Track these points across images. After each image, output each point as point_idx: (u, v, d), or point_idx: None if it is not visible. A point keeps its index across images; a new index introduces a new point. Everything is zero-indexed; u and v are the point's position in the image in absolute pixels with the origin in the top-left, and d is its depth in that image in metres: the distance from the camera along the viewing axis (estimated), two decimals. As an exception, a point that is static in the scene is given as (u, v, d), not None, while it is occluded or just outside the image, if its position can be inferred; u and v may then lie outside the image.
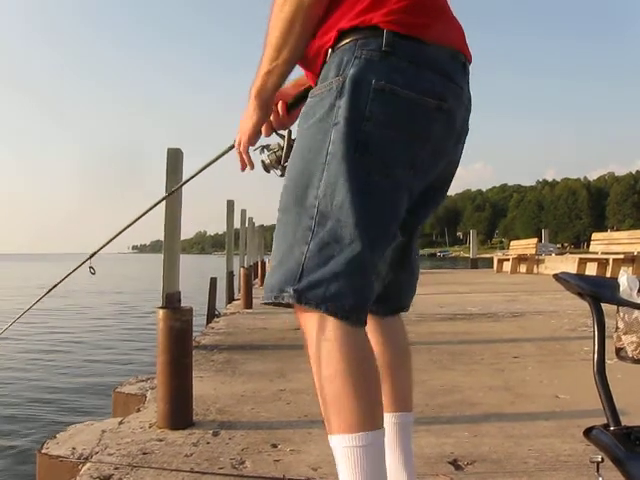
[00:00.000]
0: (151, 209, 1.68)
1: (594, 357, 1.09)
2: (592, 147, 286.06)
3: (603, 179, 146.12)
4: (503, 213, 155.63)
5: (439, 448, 1.93)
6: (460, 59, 1.22)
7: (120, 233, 1.75)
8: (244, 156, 1.32)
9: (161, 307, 2.25)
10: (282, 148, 1.34)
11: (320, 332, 1.07)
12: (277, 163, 1.36)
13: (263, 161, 1.39)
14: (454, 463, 1.79)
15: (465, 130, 1.29)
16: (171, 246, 2.33)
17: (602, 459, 1.09)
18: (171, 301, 2.28)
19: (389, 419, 1.28)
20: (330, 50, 1.16)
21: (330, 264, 1.07)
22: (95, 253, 1.76)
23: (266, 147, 1.40)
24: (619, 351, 1.13)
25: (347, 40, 1.13)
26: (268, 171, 1.39)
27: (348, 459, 1.05)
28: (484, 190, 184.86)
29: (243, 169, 1.35)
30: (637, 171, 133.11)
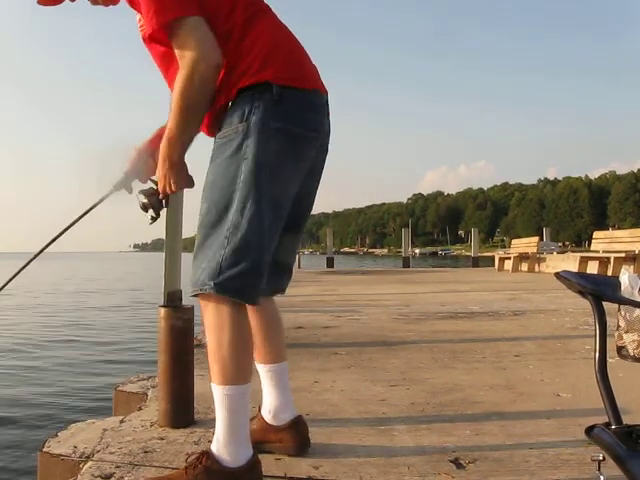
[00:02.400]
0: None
1: (595, 355, 1.09)
2: (594, 145, 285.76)
3: (605, 177, 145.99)
4: (504, 211, 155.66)
5: (440, 447, 1.93)
6: (324, 97, 1.66)
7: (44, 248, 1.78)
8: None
9: (162, 305, 2.24)
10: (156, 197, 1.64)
11: (218, 313, 1.51)
12: (158, 203, 1.65)
13: (143, 203, 1.66)
14: (456, 462, 1.79)
15: (325, 151, 1.71)
16: (172, 244, 2.32)
17: (604, 458, 1.09)
18: (172, 299, 2.27)
19: (274, 368, 1.81)
20: (230, 103, 1.55)
21: (241, 265, 1.47)
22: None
23: (143, 191, 1.68)
24: (620, 349, 1.14)
25: (245, 94, 1.52)
26: (146, 211, 1.67)
27: (222, 402, 1.54)
28: (485, 189, 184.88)
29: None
30: (639, 169, 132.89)
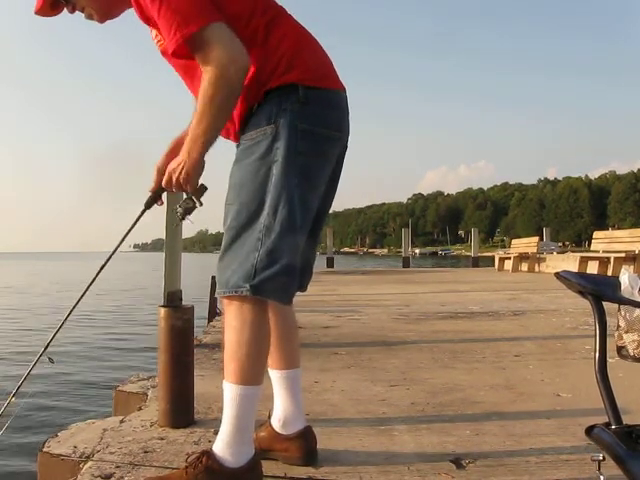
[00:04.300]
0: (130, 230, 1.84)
1: (595, 355, 1.09)
2: (594, 145, 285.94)
3: (604, 177, 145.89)
4: (504, 211, 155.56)
5: (441, 446, 1.93)
6: (344, 95, 1.67)
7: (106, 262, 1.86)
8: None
9: (162, 305, 2.24)
10: (191, 199, 1.62)
11: (240, 313, 1.53)
12: (190, 212, 1.65)
13: (177, 213, 1.67)
14: (456, 461, 1.79)
15: (346, 149, 1.72)
16: (172, 244, 2.32)
17: (603, 457, 1.09)
18: (172, 299, 2.27)
19: (287, 374, 1.80)
20: (257, 105, 1.55)
21: (276, 266, 1.49)
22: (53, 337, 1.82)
23: (180, 204, 1.67)
24: (620, 349, 1.14)
25: (272, 96, 1.53)
26: (183, 219, 1.67)
27: (235, 401, 1.54)
28: (485, 189, 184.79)
29: None
30: (639, 169, 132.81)
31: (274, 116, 1.52)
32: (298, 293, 1.80)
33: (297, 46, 1.57)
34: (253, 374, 1.55)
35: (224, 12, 1.51)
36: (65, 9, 1.68)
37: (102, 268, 1.84)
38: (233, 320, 1.54)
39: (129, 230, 1.84)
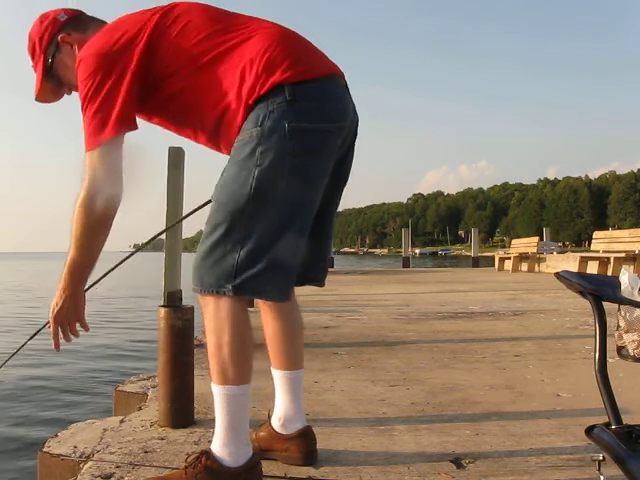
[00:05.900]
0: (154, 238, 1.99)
1: (595, 355, 1.09)
2: (594, 146, 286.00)
3: (605, 177, 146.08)
4: (504, 211, 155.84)
5: (441, 446, 1.93)
6: (340, 80, 1.61)
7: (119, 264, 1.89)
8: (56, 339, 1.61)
9: (162, 306, 2.24)
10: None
11: (217, 313, 1.50)
12: None
13: None
14: (456, 461, 1.79)
15: (354, 134, 1.67)
16: (172, 244, 2.32)
17: (604, 458, 1.09)
18: (172, 300, 2.27)
19: (289, 374, 1.78)
20: (249, 111, 1.51)
21: (258, 265, 1.46)
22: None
23: None
24: (620, 349, 1.14)
25: (260, 100, 1.48)
26: None
27: (222, 402, 1.54)
28: (485, 189, 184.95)
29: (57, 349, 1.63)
30: (639, 169, 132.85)
31: (261, 119, 1.47)
32: (301, 292, 1.80)
33: (274, 48, 1.51)
34: (238, 374, 1.53)
35: (190, 51, 1.53)
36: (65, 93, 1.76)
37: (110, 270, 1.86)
38: (211, 321, 1.52)
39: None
